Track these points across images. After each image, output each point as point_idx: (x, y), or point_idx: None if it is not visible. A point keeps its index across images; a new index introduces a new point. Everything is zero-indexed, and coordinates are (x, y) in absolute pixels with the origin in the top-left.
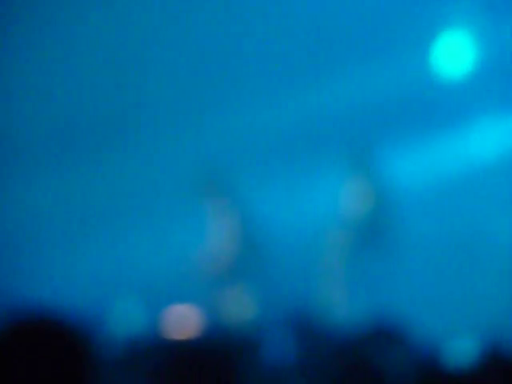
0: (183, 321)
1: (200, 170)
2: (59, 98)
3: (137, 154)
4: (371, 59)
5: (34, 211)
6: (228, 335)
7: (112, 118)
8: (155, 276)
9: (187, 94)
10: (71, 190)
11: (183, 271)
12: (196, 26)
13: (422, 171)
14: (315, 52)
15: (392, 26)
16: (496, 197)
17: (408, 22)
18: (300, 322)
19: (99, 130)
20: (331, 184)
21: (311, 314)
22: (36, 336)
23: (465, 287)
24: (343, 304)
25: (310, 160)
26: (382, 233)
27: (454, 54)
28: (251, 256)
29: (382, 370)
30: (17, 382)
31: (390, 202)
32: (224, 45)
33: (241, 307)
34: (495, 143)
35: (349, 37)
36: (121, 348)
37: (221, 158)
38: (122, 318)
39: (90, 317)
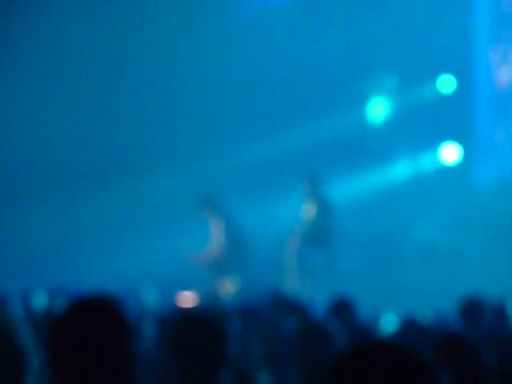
0: (189, 296)
1: (200, 194)
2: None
3: (156, 184)
4: (320, 114)
5: (84, 223)
6: (220, 305)
7: (141, 155)
8: (169, 267)
9: (187, 141)
10: (108, 207)
11: (188, 264)
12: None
13: (358, 191)
14: (281, 108)
15: (338, 93)
16: (411, 209)
17: (351, 89)
18: (273, 296)
19: (134, 164)
20: (291, 203)
21: (281, 292)
22: (92, 309)
23: (390, 273)
24: (303, 288)
25: (277, 186)
26: (329, 235)
27: (380, 110)
28: (237, 253)
29: (336, 336)
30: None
31: (334, 214)
32: (213, 104)
33: (229, 287)
34: (408, 170)
35: (305, 97)
36: (146, 316)
37: (214, 185)
38: (147, 297)
39: (124, 297)
